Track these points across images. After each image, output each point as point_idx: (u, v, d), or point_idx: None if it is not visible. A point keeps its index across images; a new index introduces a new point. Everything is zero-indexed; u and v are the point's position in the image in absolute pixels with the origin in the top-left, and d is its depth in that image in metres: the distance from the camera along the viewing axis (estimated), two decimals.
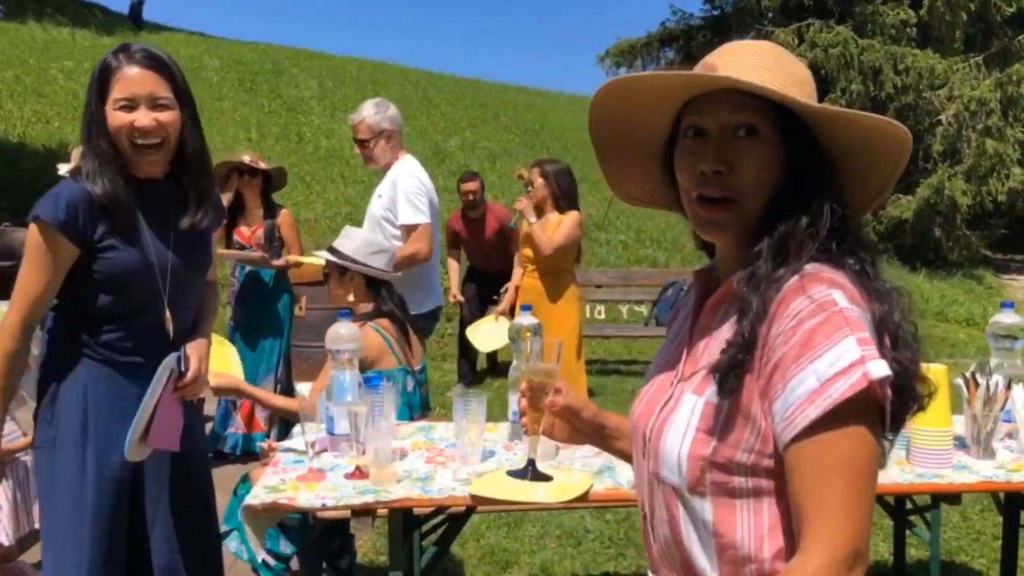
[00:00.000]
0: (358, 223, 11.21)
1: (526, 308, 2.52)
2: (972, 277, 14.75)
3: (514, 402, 2.43)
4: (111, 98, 1.95)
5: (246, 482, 2.72)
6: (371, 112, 3.80)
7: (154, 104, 1.95)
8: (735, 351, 1.03)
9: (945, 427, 2.22)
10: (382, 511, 2.12)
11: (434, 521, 2.58)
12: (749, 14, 17.03)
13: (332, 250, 3.03)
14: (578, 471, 2.18)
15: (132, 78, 1.94)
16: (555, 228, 4.44)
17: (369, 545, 3.68)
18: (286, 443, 2.48)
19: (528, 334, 2.39)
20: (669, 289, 7.16)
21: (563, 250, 4.46)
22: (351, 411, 2.24)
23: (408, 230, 3.79)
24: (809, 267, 1.04)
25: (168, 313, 2.02)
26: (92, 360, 2.00)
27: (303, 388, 2.99)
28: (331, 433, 2.36)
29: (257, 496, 2.04)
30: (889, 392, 0.98)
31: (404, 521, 2.25)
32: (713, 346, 1.10)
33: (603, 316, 7.66)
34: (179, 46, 18.12)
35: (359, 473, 2.17)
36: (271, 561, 2.70)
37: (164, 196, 2.06)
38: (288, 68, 17.70)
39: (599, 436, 1.43)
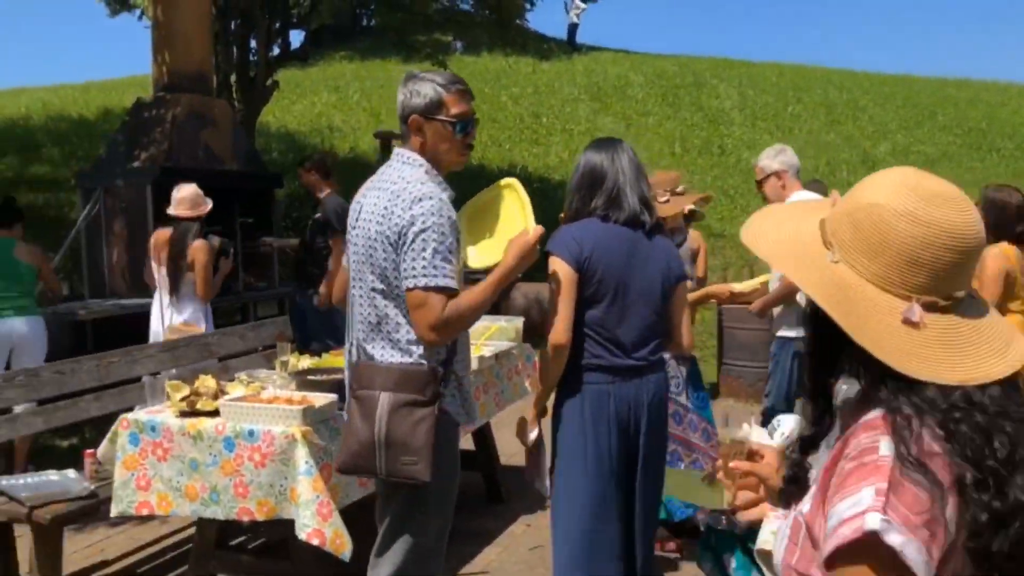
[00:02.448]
0: None
1: None
2: None
3: None
4: None
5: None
6: (764, 156, 4.28)
7: None
8: (790, 467, 1.22)
9: None
10: None
11: None
12: None
13: None
14: None
15: None
16: None
17: None
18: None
19: None
20: None
21: (991, 290, 4.10)
22: None
23: None
24: (877, 411, 1.04)
25: None
26: None
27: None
28: None
29: (768, 542, 2.18)
30: (892, 541, 0.95)
31: None
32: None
33: None
34: (607, 65, 19.41)
35: None
36: None
37: None
38: (708, 79, 17.99)
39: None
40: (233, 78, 10.09)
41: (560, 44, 22.32)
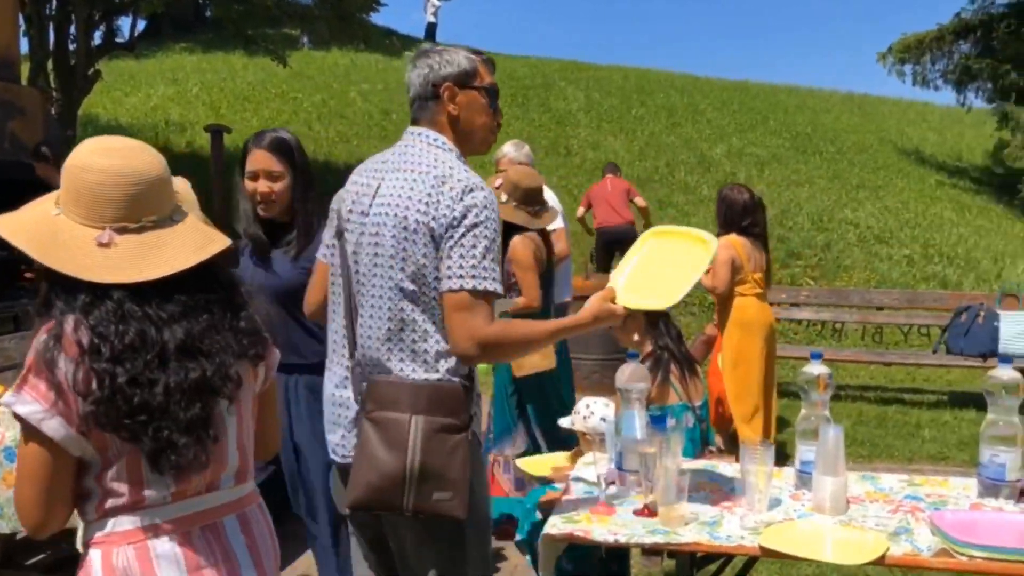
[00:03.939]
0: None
1: (816, 356, 2.47)
2: None
3: (804, 451, 2.41)
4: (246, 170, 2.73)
5: (534, 503, 2.92)
6: (512, 148, 4.81)
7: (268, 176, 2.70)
8: None
9: None
10: None
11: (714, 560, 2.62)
12: None
13: None
14: (872, 530, 2.12)
15: (255, 158, 2.70)
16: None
17: (638, 570, 3.77)
18: (577, 471, 2.63)
19: (824, 383, 2.36)
20: (963, 314, 6.57)
21: (721, 286, 4.64)
22: (640, 450, 2.34)
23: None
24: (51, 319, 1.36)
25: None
26: None
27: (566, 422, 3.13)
28: (619, 468, 2.47)
29: (555, 526, 2.20)
30: (19, 411, 1.32)
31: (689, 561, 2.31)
32: None
33: (881, 340, 7.19)
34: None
35: (647, 511, 2.27)
36: None
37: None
38: (557, 81, 18.33)
39: None
40: (50, 65, 9.40)
41: (416, 41, 22.18)
